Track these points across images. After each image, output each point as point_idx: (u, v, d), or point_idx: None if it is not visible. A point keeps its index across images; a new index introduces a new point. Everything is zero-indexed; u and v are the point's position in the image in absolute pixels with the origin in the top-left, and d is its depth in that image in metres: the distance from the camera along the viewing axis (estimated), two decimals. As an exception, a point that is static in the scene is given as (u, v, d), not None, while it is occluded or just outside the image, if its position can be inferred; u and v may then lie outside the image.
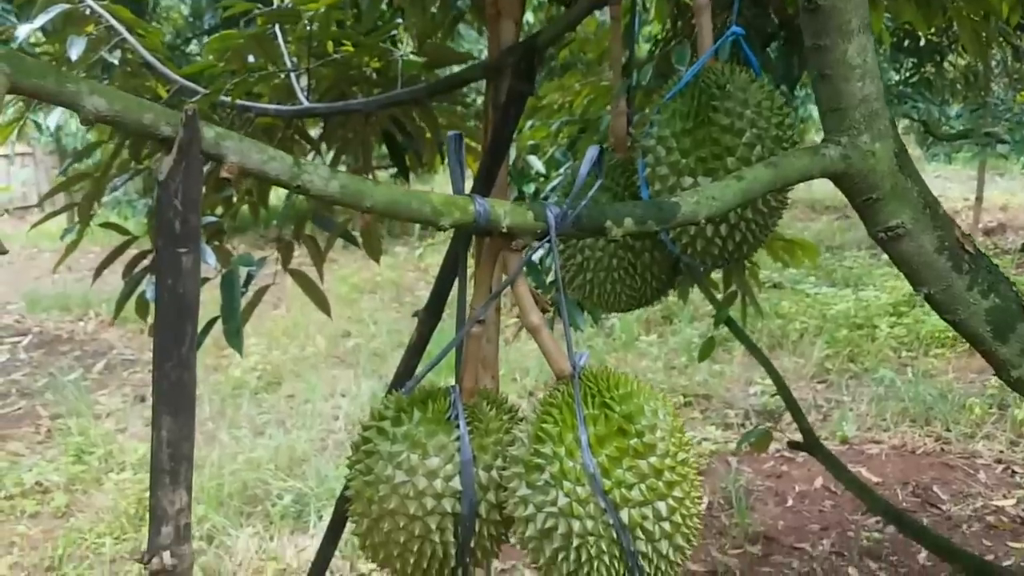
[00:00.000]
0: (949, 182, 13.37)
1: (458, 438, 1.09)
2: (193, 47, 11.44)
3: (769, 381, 5.90)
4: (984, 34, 3.53)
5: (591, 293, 1.67)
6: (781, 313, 6.78)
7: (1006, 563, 3.62)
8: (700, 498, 1.07)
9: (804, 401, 5.52)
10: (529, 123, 3.26)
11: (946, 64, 7.10)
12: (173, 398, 0.80)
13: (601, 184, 1.57)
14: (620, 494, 0.98)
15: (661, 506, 1.00)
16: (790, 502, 4.18)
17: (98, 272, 2.30)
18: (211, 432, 5.09)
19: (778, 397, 5.81)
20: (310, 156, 2.35)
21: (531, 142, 3.36)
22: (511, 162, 3.43)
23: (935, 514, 3.99)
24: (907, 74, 7.29)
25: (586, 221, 1.08)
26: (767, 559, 3.71)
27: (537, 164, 3.33)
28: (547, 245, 1.06)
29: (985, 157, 7.48)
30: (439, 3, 2.03)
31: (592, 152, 1.06)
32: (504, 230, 1.03)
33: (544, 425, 1.04)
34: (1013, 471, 4.43)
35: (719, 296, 2.76)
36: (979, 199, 8.73)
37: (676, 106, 1.33)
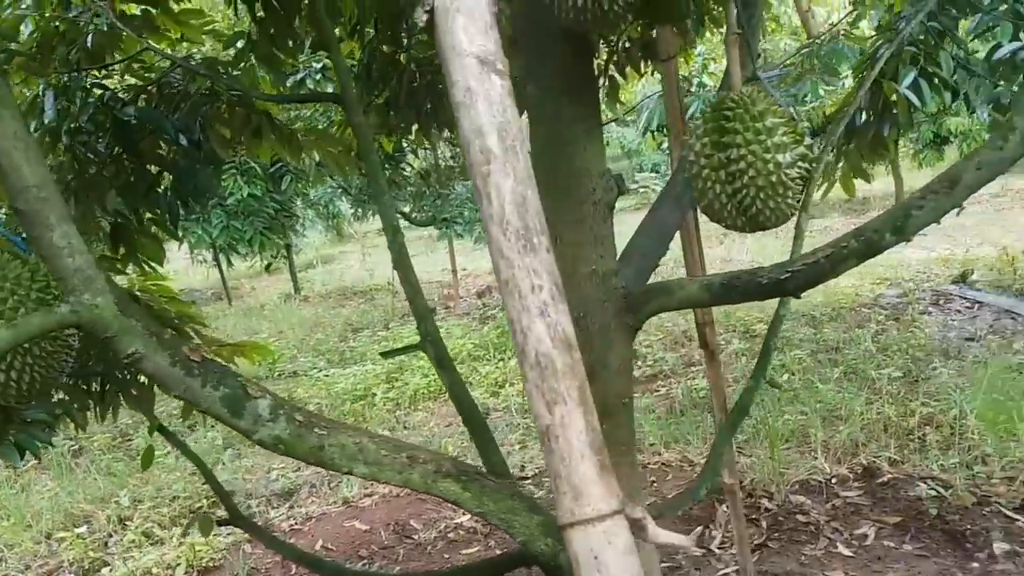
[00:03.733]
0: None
1: None
2: None
3: (287, 464, 6.40)
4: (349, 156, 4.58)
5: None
6: (295, 398, 7.36)
7: (461, 567, 4.51)
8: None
9: (319, 473, 6.09)
10: None
11: (405, 167, 8.61)
12: None
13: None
14: None
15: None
16: (293, 570, 4.63)
17: None
18: None
19: (295, 477, 6.31)
20: None
21: None
22: None
23: (409, 543, 4.79)
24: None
25: None
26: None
27: None
28: None
29: (450, 236, 9.16)
30: None
31: None
32: None
33: None
34: (475, 490, 5.47)
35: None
36: (454, 271, 10.60)
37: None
